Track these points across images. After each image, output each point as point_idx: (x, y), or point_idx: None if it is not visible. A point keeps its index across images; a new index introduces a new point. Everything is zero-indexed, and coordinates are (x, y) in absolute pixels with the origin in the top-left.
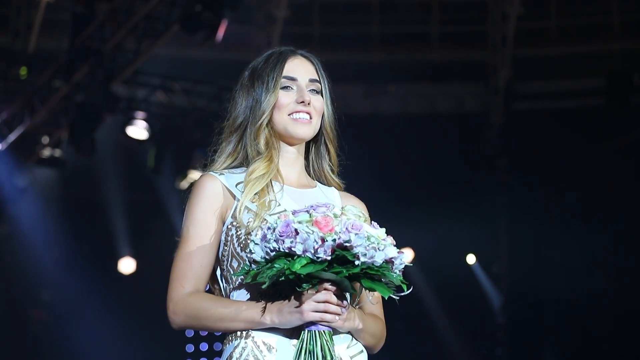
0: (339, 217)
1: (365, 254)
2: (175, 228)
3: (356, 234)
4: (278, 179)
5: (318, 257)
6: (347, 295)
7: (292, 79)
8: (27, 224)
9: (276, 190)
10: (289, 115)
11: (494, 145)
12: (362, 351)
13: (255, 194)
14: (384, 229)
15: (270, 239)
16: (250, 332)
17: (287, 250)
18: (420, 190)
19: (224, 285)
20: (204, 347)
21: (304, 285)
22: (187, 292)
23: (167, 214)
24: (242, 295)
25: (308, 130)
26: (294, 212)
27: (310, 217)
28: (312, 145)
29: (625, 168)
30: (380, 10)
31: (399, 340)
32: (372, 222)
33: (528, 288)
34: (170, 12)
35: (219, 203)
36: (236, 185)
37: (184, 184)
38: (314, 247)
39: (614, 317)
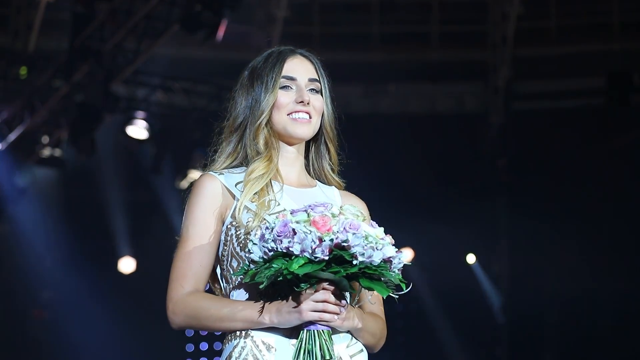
0: (337, 217)
1: (363, 254)
2: (175, 228)
3: (354, 234)
4: (277, 179)
5: (316, 257)
6: (347, 294)
7: (292, 79)
8: (27, 223)
9: (276, 190)
10: (288, 115)
11: (493, 145)
12: (361, 350)
13: (254, 194)
14: (382, 228)
15: (268, 238)
16: (249, 332)
17: (284, 250)
18: (420, 190)
19: (224, 284)
20: (204, 346)
21: (302, 285)
22: (186, 292)
23: (167, 214)
24: (242, 294)
25: (307, 130)
26: (292, 212)
27: (308, 216)
28: (312, 144)
29: (625, 168)
30: (380, 10)
31: (398, 339)
32: (371, 221)
33: (528, 288)
34: (170, 11)
35: (218, 203)
36: (236, 185)
37: (184, 184)
38: (311, 247)
39: (614, 317)
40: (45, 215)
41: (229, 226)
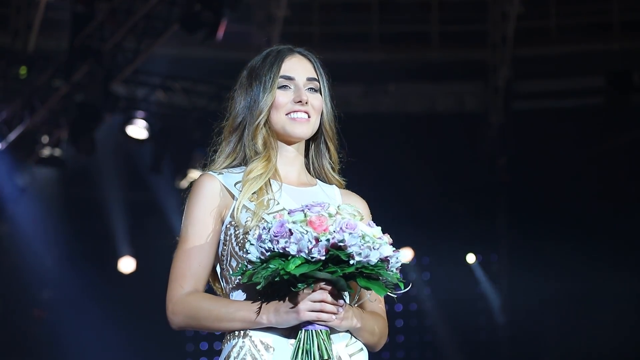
0: (333, 217)
1: (359, 253)
2: (174, 227)
3: (350, 234)
4: (276, 178)
5: (312, 257)
6: (346, 294)
7: (290, 78)
8: (26, 223)
9: (274, 189)
10: (286, 114)
11: (493, 144)
12: (361, 349)
13: (253, 194)
14: (379, 228)
15: (265, 239)
16: (248, 332)
17: (281, 251)
18: (419, 190)
19: (224, 284)
20: (204, 346)
21: (299, 285)
22: (186, 292)
23: (167, 214)
24: (242, 294)
25: (306, 130)
26: (290, 212)
27: (305, 216)
28: (312, 143)
29: (625, 167)
30: (380, 10)
31: (397, 339)
32: (369, 221)
33: (527, 288)
34: (170, 11)
35: (217, 202)
36: (235, 185)
37: (184, 183)
38: (308, 247)
39: (614, 317)
40: (45, 215)
41: (228, 226)
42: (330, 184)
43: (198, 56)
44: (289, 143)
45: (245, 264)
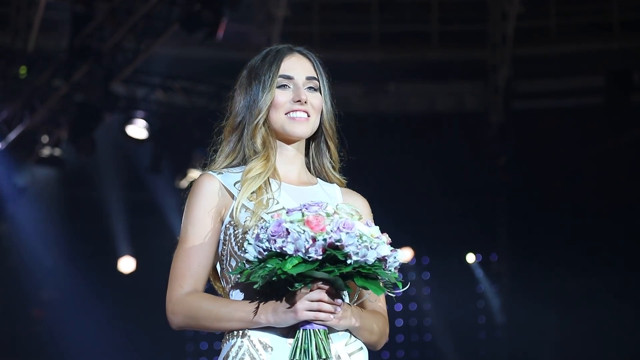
0: (331, 216)
1: (357, 253)
2: (174, 227)
3: (347, 233)
4: (276, 177)
5: (309, 257)
6: (346, 293)
7: (289, 78)
8: (26, 223)
9: (274, 188)
10: (286, 114)
11: (493, 144)
12: (361, 348)
13: (252, 193)
14: (377, 227)
15: (262, 238)
16: (246, 331)
17: (278, 250)
18: (419, 189)
19: (224, 284)
20: (203, 346)
21: (296, 284)
22: (185, 292)
23: (166, 213)
24: (241, 294)
25: (306, 129)
26: (288, 211)
27: (303, 216)
28: (312, 142)
29: (625, 166)
30: (379, 9)
31: (397, 338)
32: (368, 220)
33: (528, 287)
34: (169, 11)
35: (217, 202)
36: (234, 185)
37: (184, 183)
38: (305, 247)
39: (615, 316)
40: (44, 215)
41: (227, 225)
42: (331, 182)
43: (198, 56)
44: (289, 142)
45: (244, 263)
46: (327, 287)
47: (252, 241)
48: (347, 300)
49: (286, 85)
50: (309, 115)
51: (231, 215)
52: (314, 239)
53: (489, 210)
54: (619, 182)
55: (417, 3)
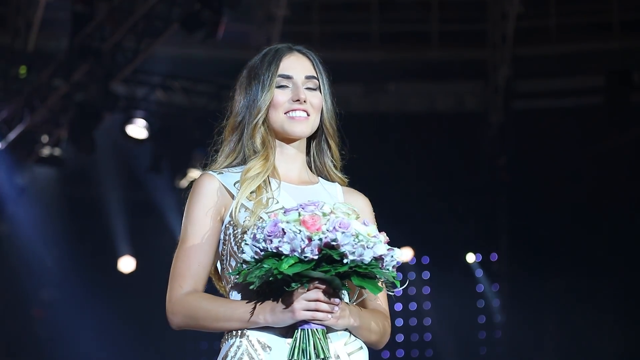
0: (327, 216)
1: (353, 252)
2: (174, 227)
3: (343, 233)
4: (276, 177)
5: (305, 257)
6: (345, 292)
7: (288, 77)
8: (26, 223)
9: (273, 187)
10: (285, 113)
11: (493, 143)
12: (361, 347)
13: (252, 193)
14: (374, 226)
15: (259, 238)
16: (245, 331)
17: (274, 250)
18: (419, 189)
19: (225, 283)
20: (203, 345)
21: (293, 284)
22: (185, 292)
23: (166, 213)
24: (241, 294)
25: (305, 128)
26: (285, 211)
27: (299, 216)
28: (313, 141)
29: (626, 166)
30: (379, 9)
31: (397, 338)
32: (365, 219)
33: (528, 287)
34: (169, 11)
35: (217, 202)
36: (234, 184)
37: (184, 183)
38: (300, 247)
39: (615, 316)
40: (44, 215)
41: (227, 225)
42: (333, 181)
43: (198, 56)
44: (289, 141)
45: (241, 264)
46: (323, 286)
47: (249, 241)
48: (346, 299)
49: (285, 84)
50: (308, 115)
51: (231, 215)
52: (310, 239)
53: (489, 210)
54: (619, 182)
55: (417, 3)
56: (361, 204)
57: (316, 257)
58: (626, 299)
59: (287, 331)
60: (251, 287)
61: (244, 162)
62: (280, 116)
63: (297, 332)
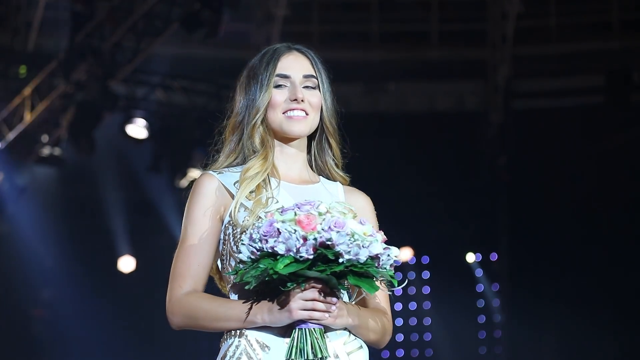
0: (323, 215)
1: (348, 252)
2: (174, 226)
3: (338, 232)
4: (275, 176)
5: (301, 256)
6: (344, 292)
7: (285, 77)
8: (26, 222)
9: (273, 187)
10: (283, 113)
11: (493, 143)
12: (361, 347)
13: (251, 192)
14: (370, 225)
15: (255, 238)
16: (244, 331)
17: (270, 250)
18: (419, 189)
19: (225, 283)
20: (203, 345)
21: (289, 284)
22: (184, 292)
23: (166, 213)
24: (240, 293)
25: (304, 127)
26: (282, 211)
27: (295, 215)
28: (313, 140)
29: (625, 165)
30: (379, 9)
31: (396, 337)
32: (361, 218)
33: (527, 286)
34: (169, 10)
35: (216, 202)
36: (234, 184)
37: (184, 182)
38: (295, 247)
39: (615, 315)
40: (44, 214)
41: (227, 225)
42: (335, 180)
43: (197, 55)
44: (289, 141)
45: (238, 264)
46: (320, 286)
47: (245, 241)
48: (345, 298)
49: (283, 84)
50: (307, 114)
51: (230, 215)
52: (305, 239)
53: (489, 209)
54: (619, 182)
55: (417, 2)
56: (362, 203)
57: (311, 257)
58: (626, 299)
59: (285, 331)
60: (246, 287)
61: (244, 162)
62: (279, 116)
63: (295, 331)
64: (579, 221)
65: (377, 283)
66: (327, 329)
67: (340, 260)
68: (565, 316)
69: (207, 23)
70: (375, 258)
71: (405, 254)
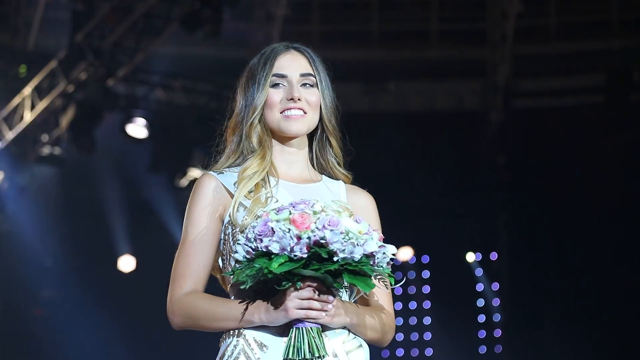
0: (318, 214)
1: (343, 250)
2: (174, 226)
3: (331, 231)
4: (274, 175)
5: (295, 255)
6: (344, 291)
7: (282, 76)
8: (26, 222)
9: (272, 186)
10: (280, 112)
11: (493, 142)
12: (360, 346)
13: (250, 192)
14: (366, 224)
15: (250, 238)
16: (242, 331)
17: (265, 250)
18: (419, 188)
19: (226, 282)
20: (203, 345)
21: (283, 283)
22: (184, 292)
23: (166, 212)
24: (240, 293)
25: (302, 126)
26: (278, 210)
27: (290, 214)
28: (314, 138)
29: (625, 165)
30: (379, 8)
31: (396, 337)
32: (357, 216)
33: (528, 286)
34: (169, 10)
35: (216, 202)
36: (234, 184)
37: (184, 182)
38: (290, 246)
39: (615, 314)
40: (44, 214)
41: (226, 225)
42: (337, 179)
43: (197, 55)
44: (288, 140)
45: (235, 263)
46: (315, 284)
47: (241, 241)
48: (345, 297)
49: (280, 84)
50: (305, 112)
51: (230, 215)
52: (299, 237)
53: (489, 209)
54: (619, 180)
55: (417, 2)
56: (365, 201)
57: (305, 256)
58: (626, 297)
59: (283, 330)
60: (242, 286)
61: (244, 162)
62: (276, 115)
63: (292, 331)
64: (578, 220)
65: (376, 281)
66: (325, 327)
67: (335, 258)
68: (565, 316)
69: (207, 22)
70: (370, 256)
71: (406, 254)
